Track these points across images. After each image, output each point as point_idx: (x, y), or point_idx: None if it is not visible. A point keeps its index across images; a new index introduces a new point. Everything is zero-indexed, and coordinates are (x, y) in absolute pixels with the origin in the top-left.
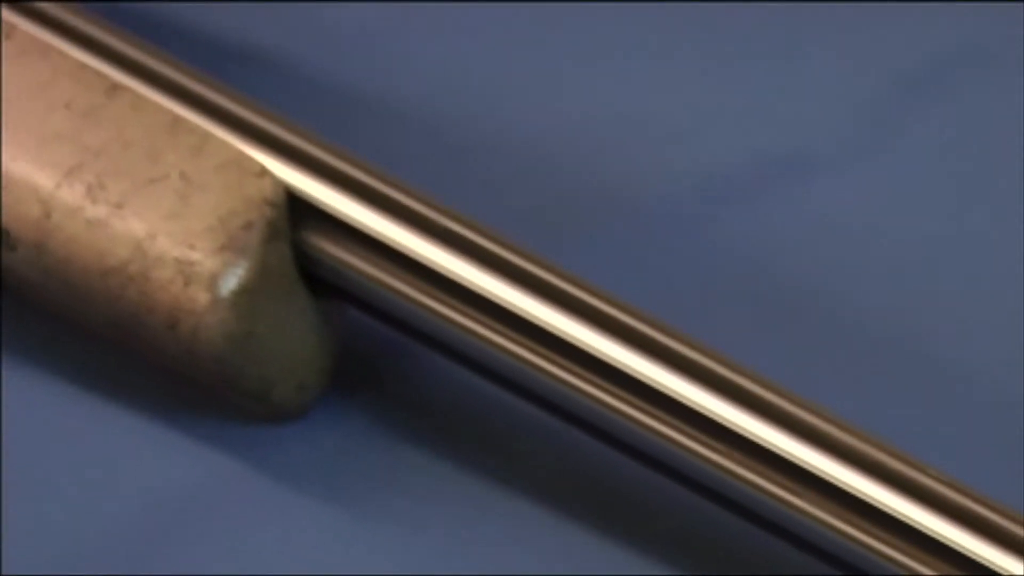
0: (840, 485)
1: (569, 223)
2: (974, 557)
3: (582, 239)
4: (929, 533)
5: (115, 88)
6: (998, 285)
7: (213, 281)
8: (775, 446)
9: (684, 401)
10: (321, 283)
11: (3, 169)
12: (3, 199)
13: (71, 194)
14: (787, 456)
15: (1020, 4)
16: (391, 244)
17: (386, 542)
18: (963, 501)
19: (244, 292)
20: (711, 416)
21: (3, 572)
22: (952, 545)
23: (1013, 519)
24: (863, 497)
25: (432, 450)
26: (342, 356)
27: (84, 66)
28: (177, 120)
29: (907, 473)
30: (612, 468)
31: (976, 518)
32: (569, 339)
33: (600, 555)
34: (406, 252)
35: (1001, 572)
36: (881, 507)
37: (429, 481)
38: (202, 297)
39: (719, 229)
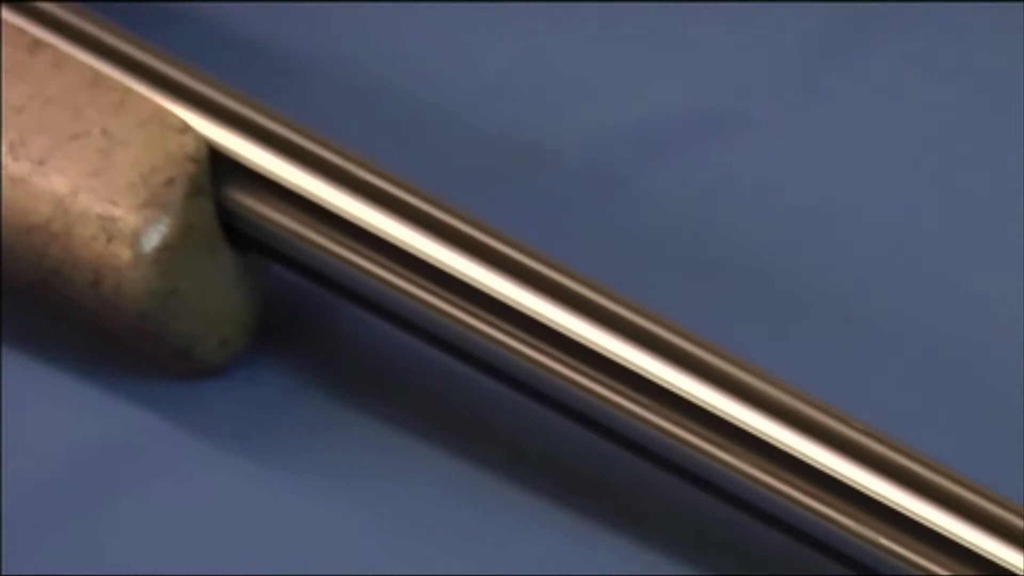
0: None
1: (495, 179)
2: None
3: (508, 194)
4: (856, 486)
5: (37, 45)
6: (923, 236)
7: (136, 238)
8: (693, 395)
9: (606, 354)
10: (244, 239)
11: None
12: None
13: None
14: (704, 404)
15: None
16: (314, 199)
17: (310, 497)
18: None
19: (166, 248)
20: (634, 368)
21: None
22: (887, 503)
23: (960, 483)
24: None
25: (356, 404)
26: (265, 312)
27: (5, 23)
28: (98, 76)
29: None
30: (537, 420)
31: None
32: (493, 293)
33: (526, 506)
34: (329, 207)
35: (956, 538)
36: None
37: (353, 435)
38: (125, 254)
39: (645, 185)
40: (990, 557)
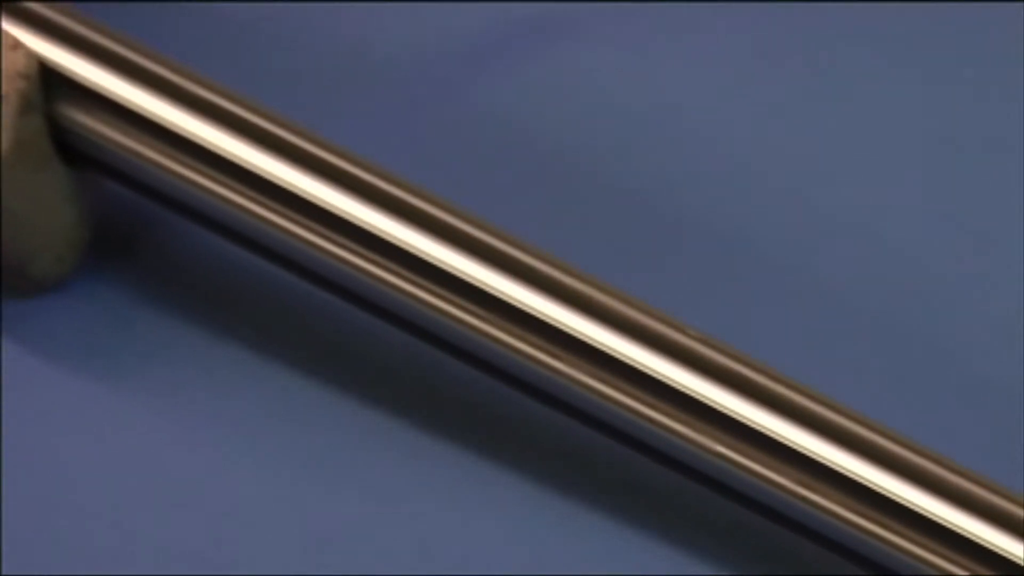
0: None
1: (324, 89)
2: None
3: (339, 105)
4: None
5: None
6: (764, 148)
7: None
8: (534, 308)
9: (445, 267)
10: (77, 155)
11: None
12: None
13: None
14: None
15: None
16: (146, 115)
17: (147, 412)
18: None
19: None
20: (468, 280)
21: None
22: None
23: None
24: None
25: (192, 319)
26: (100, 227)
27: None
28: None
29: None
30: (376, 333)
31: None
32: (328, 207)
33: (362, 419)
34: (161, 123)
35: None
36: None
37: (189, 350)
38: None
39: (475, 92)
40: (859, 480)
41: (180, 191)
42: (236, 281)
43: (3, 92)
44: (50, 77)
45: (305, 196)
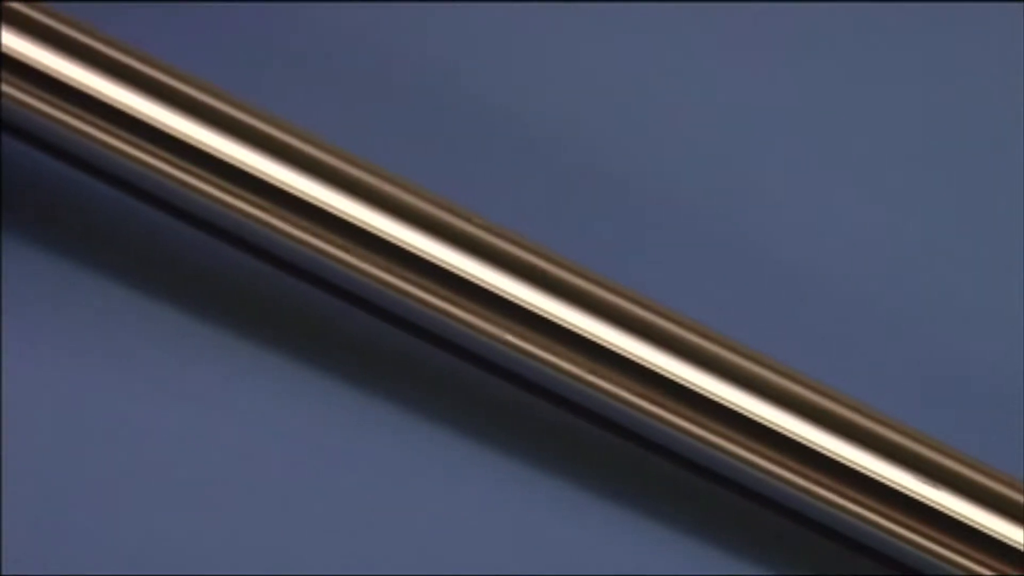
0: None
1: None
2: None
3: (152, 21)
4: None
5: None
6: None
7: None
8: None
9: (300, 195)
10: None
11: None
12: None
13: None
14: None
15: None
16: None
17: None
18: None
19: None
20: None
21: None
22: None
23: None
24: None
25: (32, 239)
26: None
27: None
28: None
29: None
30: (191, 243)
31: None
32: (154, 123)
33: (205, 337)
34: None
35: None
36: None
37: (32, 266)
38: None
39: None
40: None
41: (13, 114)
42: (77, 203)
43: None
44: None
45: (139, 116)
